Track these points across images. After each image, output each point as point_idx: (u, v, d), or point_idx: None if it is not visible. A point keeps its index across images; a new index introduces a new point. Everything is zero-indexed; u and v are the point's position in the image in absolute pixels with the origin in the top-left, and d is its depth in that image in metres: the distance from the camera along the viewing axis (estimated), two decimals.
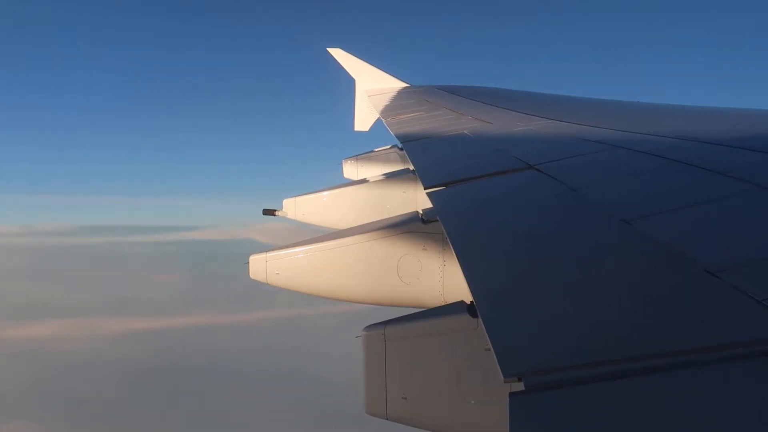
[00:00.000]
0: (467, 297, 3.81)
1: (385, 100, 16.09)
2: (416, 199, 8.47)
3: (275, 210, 10.00)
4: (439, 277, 6.16)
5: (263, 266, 6.82)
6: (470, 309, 4.02)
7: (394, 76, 19.18)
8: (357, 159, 12.33)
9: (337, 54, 19.52)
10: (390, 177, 9.51)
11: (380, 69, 19.35)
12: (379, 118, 14.55)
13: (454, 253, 3.81)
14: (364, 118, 18.83)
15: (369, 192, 9.29)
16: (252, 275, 6.87)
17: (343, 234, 6.77)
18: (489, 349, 2.41)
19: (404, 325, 4.35)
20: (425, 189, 5.69)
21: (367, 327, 4.43)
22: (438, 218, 5.09)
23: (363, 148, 13.05)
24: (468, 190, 5.42)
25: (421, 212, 6.50)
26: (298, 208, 9.85)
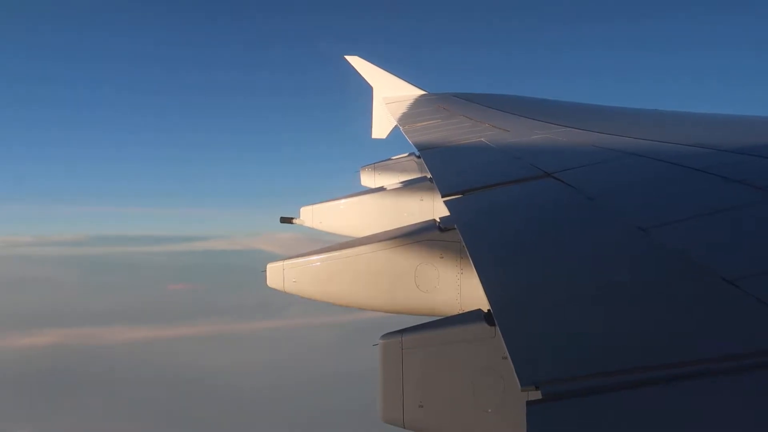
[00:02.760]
0: (484, 305, 3.81)
1: (402, 108, 16.09)
2: (434, 207, 8.47)
3: (292, 218, 10.03)
4: (456, 286, 6.16)
5: (280, 274, 6.83)
6: (487, 317, 4.02)
7: (411, 83, 19.17)
8: (374, 167, 12.33)
9: (355, 61, 19.53)
10: (407, 185, 9.50)
11: (398, 76, 19.34)
12: (396, 126, 14.54)
13: (471, 261, 3.82)
14: (382, 125, 18.82)
15: (386, 200, 9.29)
16: (269, 283, 6.87)
17: (360, 242, 6.77)
18: (506, 358, 2.42)
19: (421, 334, 4.34)
20: (442, 197, 5.69)
21: (384, 335, 4.43)
22: (455, 226, 5.09)
23: (380, 155, 13.07)
24: (485, 199, 5.42)
25: (438, 220, 6.50)
26: (316, 216, 9.86)
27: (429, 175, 8.21)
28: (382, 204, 9.30)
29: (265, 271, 6.89)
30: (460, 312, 5.47)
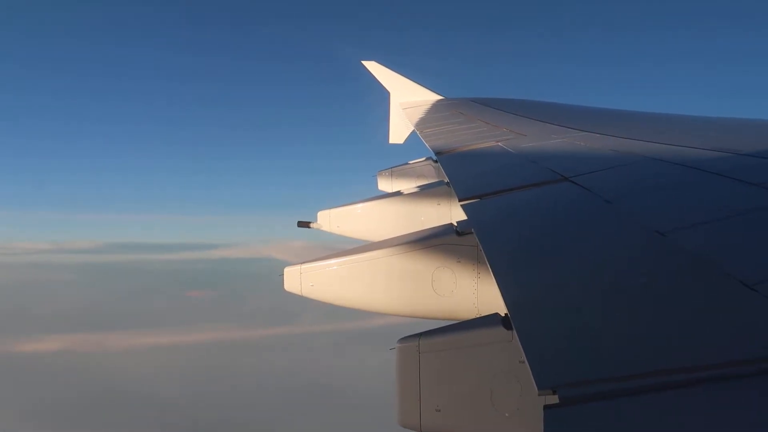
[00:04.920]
0: (502, 309, 3.81)
1: (419, 113, 16.10)
2: (451, 211, 8.47)
3: (310, 222, 10.05)
4: (473, 290, 6.15)
5: (297, 278, 6.85)
6: (505, 321, 4.02)
7: (428, 88, 19.21)
8: (391, 171, 12.36)
9: (372, 67, 19.57)
10: (424, 189, 9.51)
11: (415, 81, 19.37)
12: (413, 131, 14.56)
13: (488, 265, 3.81)
14: (399, 130, 18.86)
15: (403, 204, 9.30)
16: (286, 287, 6.89)
17: (377, 246, 6.77)
18: (523, 362, 2.41)
19: (438, 337, 4.34)
20: (460, 201, 5.69)
21: (401, 339, 4.43)
22: (472, 230, 5.09)
23: (398, 160, 13.10)
24: (502, 203, 5.41)
25: (455, 224, 6.50)
26: (333, 220, 9.88)
27: (446, 180, 8.22)
28: (399, 208, 9.31)
29: (282, 275, 6.91)
30: (478, 316, 5.46)
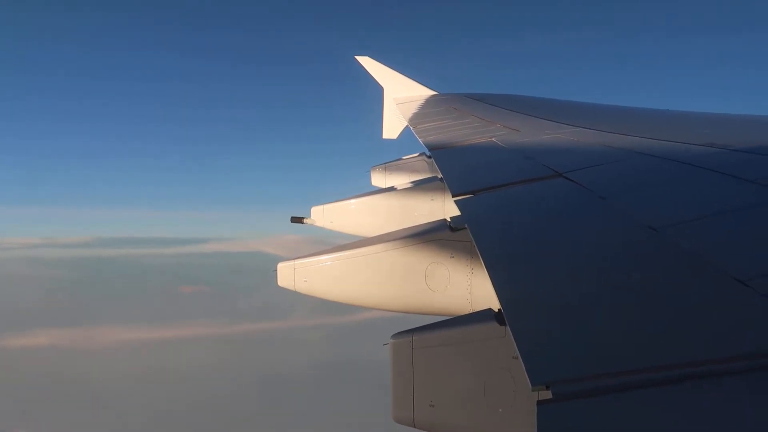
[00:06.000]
0: (495, 305, 3.81)
1: (413, 108, 16.08)
2: (444, 207, 8.46)
3: (303, 218, 10.03)
4: (467, 285, 6.15)
5: (291, 274, 6.84)
6: (498, 317, 4.02)
7: (422, 84, 19.17)
8: (385, 167, 12.34)
9: (365, 62, 19.52)
10: (418, 185, 9.50)
11: (408, 77, 19.33)
12: (407, 126, 14.53)
13: (481, 260, 3.81)
14: (393, 126, 18.81)
15: (397, 200, 9.29)
16: (280, 282, 6.88)
17: (371, 242, 6.76)
18: (517, 358, 2.41)
19: (432, 333, 4.34)
20: (453, 197, 5.68)
21: (394, 334, 4.43)
22: (466, 226, 5.09)
23: (391, 155, 13.09)
24: (496, 198, 5.41)
25: (449, 220, 6.50)
26: (326, 215, 9.87)
27: (439, 175, 8.21)
28: (392, 204, 9.29)
29: (276, 270, 6.90)
30: (471, 311, 5.45)
